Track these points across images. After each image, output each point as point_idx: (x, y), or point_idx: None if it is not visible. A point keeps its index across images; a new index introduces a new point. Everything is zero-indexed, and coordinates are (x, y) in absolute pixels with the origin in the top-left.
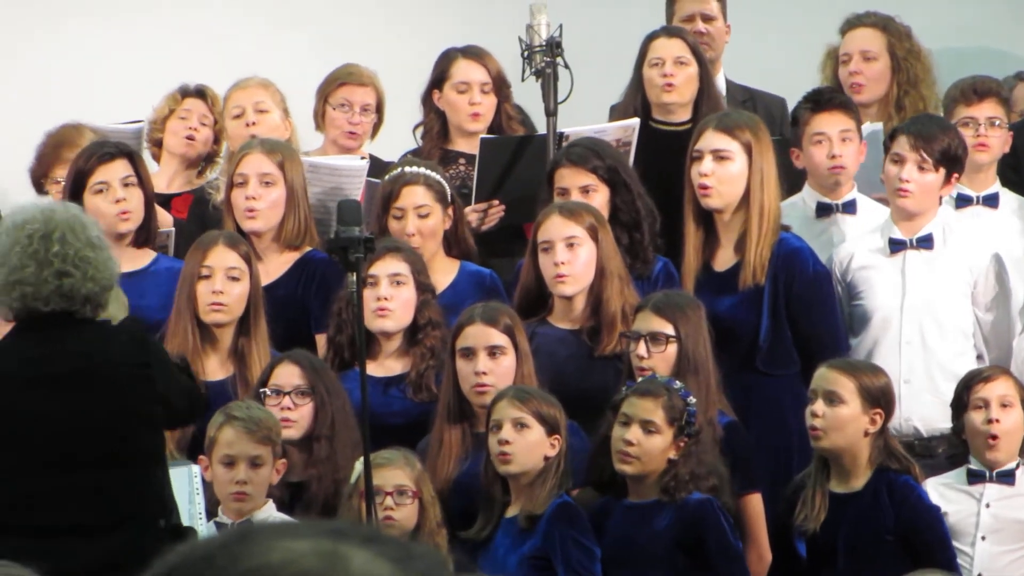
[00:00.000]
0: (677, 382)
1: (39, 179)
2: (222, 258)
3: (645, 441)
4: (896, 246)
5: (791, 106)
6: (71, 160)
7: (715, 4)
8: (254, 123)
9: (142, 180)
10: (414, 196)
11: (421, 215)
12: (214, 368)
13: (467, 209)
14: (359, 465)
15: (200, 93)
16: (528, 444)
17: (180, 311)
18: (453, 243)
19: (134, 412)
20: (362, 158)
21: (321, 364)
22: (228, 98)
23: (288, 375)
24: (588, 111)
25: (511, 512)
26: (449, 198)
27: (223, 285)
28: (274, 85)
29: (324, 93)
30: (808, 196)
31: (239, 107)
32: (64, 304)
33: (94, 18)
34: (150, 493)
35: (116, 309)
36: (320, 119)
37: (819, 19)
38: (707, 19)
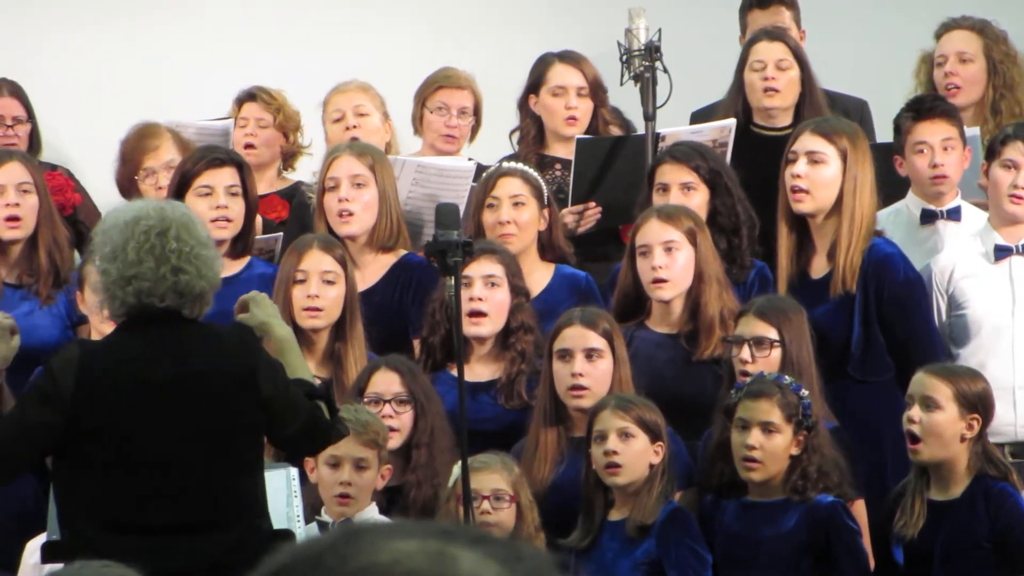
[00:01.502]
0: (786, 376)
1: (128, 178)
2: (317, 262)
3: (767, 443)
4: (1001, 253)
5: (872, 108)
6: (155, 149)
7: (787, 15)
8: (355, 127)
9: (247, 191)
10: (510, 186)
11: (516, 203)
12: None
13: (564, 211)
14: (457, 469)
15: (252, 96)
16: (634, 453)
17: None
18: (548, 247)
19: (235, 417)
20: (469, 160)
21: (418, 369)
22: (327, 102)
23: (387, 382)
24: (686, 115)
25: (615, 516)
26: (545, 199)
27: (318, 289)
28: (373, 88)
29: (422, 97)
30: (912, 203)
31: (339, 111)
32: (177, 301)
33: (186, 18)
34: (249, 496)
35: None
36: (418, 123)
37: (903, 21)
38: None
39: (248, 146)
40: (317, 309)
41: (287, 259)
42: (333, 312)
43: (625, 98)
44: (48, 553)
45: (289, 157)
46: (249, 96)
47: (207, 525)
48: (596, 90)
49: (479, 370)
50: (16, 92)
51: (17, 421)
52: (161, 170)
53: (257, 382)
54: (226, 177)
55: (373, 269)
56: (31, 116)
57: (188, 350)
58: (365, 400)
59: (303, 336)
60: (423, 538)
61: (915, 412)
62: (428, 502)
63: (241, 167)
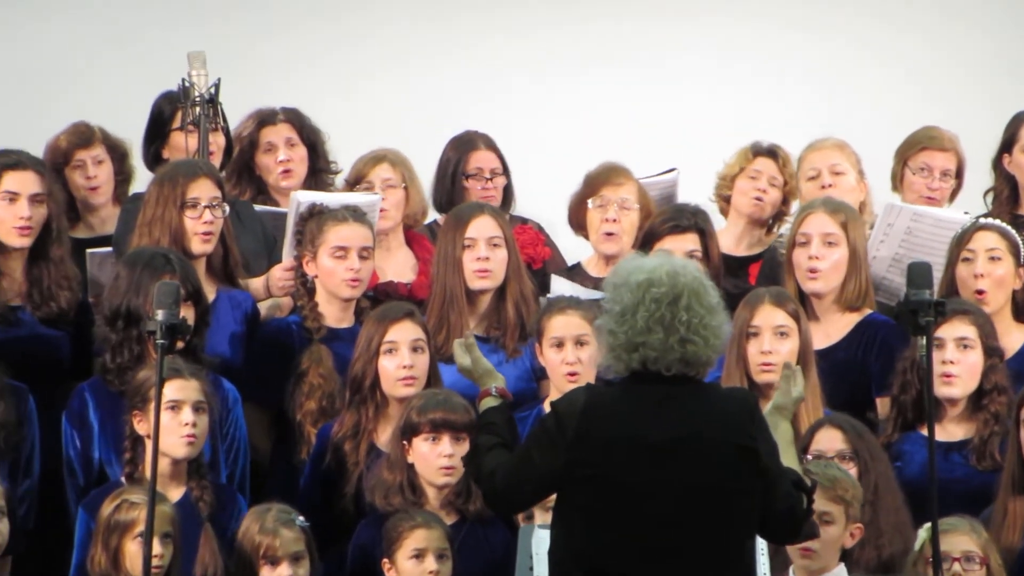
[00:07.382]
0: None
1: (581, 200)
2: (770, 317)
3: None
4: None
5: None
6: (617, 185)
7: None
8: (830, 185)
9: (708, 255)
10: (986, 240)
11: (992, 257)
12: None
13: None
14: (923, 532)
15: (772, 153)
16: None
17: (730, 370)
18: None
19: (733, 481)
20: (965, 213)
21: (864, 428)
22: (803, 159)
23: (830, 439)
24: None
25: None
26: (1022, 257)
27: (771, 344)
28: (850, 147)
29: (903, 156)
30: None
31: (815, 169)
32: (684, 369)
33: (653, 69)
34: (737, 559)
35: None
36: (898, 181)
37: None
38: None
39: (757, 199)
40: (770, 364)
41: (740, 313)
42: None
43: None
44: None
45: (778, 217)
46: (770, 152)
47: None
48: None
49: (952, 429)
50: (492, 145)
51: (525, 461)
52: (612, 205)
53: (757, 449)
54: (688, 243)
55: (838, 327)
56: (506, 169)
57: (691, 410)
58: (809, 456)
59: (757, 390)
60: None
61: None
62: (871, 563)
63: (704, 234)
